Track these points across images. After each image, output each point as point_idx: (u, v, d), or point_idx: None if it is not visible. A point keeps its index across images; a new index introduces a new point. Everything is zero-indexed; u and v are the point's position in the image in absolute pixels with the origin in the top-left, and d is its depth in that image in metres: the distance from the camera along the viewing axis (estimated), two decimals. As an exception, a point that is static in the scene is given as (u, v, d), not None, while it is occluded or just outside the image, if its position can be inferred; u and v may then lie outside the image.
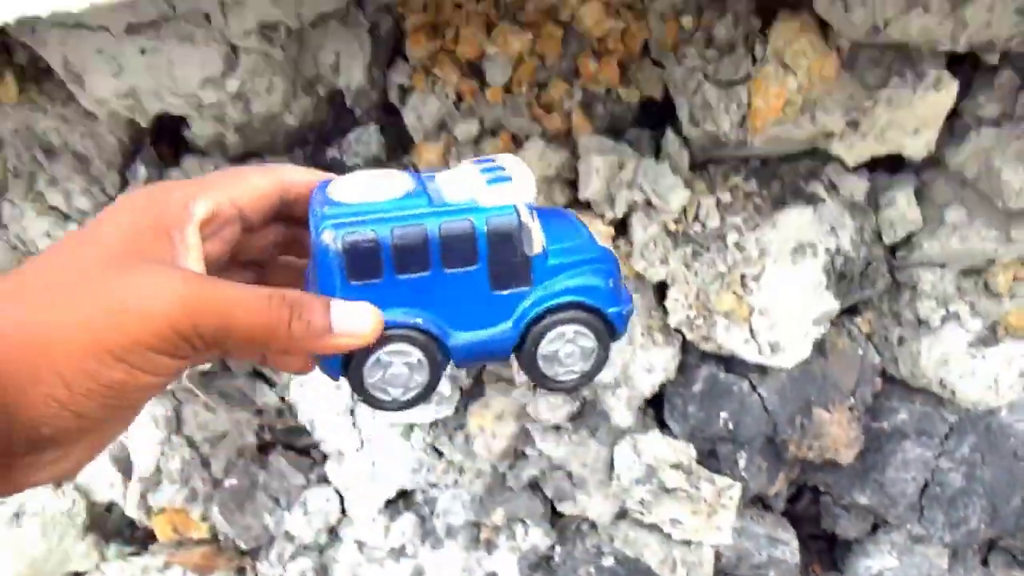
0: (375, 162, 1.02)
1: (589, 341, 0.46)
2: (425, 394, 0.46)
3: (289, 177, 0.46)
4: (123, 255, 0.40)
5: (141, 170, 0.96)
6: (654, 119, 1.02)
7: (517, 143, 1.00)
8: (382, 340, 0.43)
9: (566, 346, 0.46)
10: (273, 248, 0.49)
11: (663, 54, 0.95)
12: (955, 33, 0.82)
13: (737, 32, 0.88)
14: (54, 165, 0.99)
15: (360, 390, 0.45)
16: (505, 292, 0.45)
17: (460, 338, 0.45)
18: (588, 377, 0.48)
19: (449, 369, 0.46)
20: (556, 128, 1.00)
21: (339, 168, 0.97)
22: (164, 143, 1.02)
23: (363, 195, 0.42)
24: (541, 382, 0.47)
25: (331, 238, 0.41)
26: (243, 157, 1.00)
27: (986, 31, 0.82)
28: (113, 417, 0.39)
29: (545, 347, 0.46)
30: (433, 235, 0.42)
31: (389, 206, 0.42)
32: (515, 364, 1.05)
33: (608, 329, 0.47)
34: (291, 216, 0.47)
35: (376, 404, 0.46)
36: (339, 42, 0.95)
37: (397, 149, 1.04)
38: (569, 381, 0.47)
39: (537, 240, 0.44)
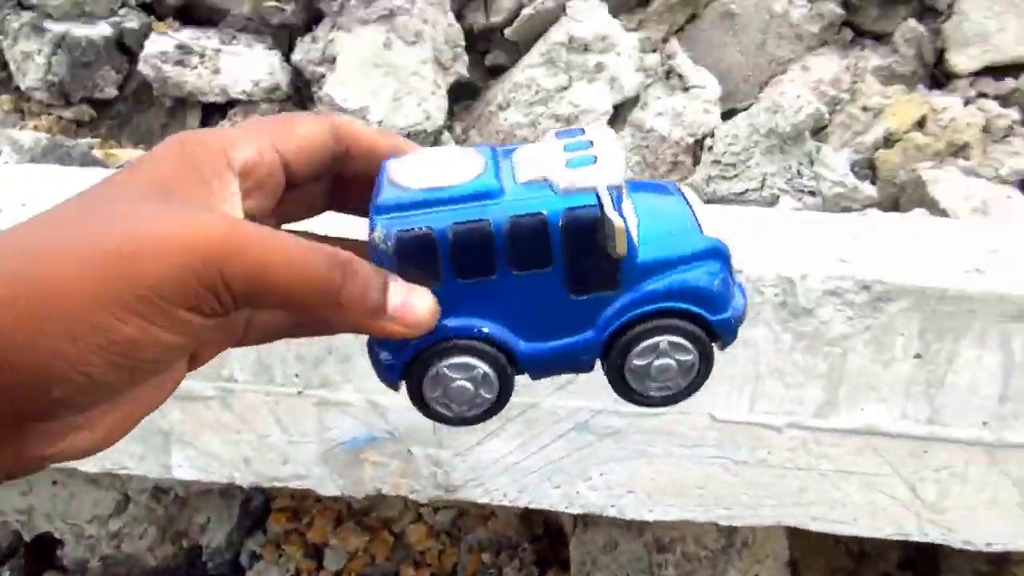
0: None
1: (688, 355, 0.38)
2: (494, 410, 0.40)
3: (343, 126, 0.40)
4: (150, 195, 0.34)
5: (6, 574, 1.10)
6: None
7: None
8: (442, 352, 0.37)
9: (660, 360, 0.38)
10: (322, 209, 0.43)
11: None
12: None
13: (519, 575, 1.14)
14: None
15: (419, 404, 0.39)
16: (585, 297, 0.37)
17: (533, 348, 0.38)
18: (685, 394, 0.40)
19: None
20: None
21: None
22: (32, 555, 1.17)
23: (426, 178, 0.37)
24: (627, 397, 0.40)
25: (380, 239, 0.36)
26: (98, 581, 1.15)
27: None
28: (132, 382, 0.33)
29: (634, 362, 0.38)
30: (500, 232, 0.36)
31: (454, 195, 0.36)
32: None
33: (713, 338, 0.38)
34: (343, 174, 0.41)
35: (438, 419, 0.40)
36: (213, 509, 1.17)
37: None
38: (660, 398, 0.40)
39: (620, 239, 0.35)
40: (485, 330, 0.37)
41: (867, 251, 0.73)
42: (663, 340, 0.38)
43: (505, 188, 0.36)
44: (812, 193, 1.02)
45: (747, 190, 1.08)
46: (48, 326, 0.30)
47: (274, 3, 1.35)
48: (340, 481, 0.80)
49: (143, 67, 1.28)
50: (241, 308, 0.33)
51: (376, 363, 0.39)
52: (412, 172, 0.37)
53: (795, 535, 1.01)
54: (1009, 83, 1.19)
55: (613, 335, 0.38)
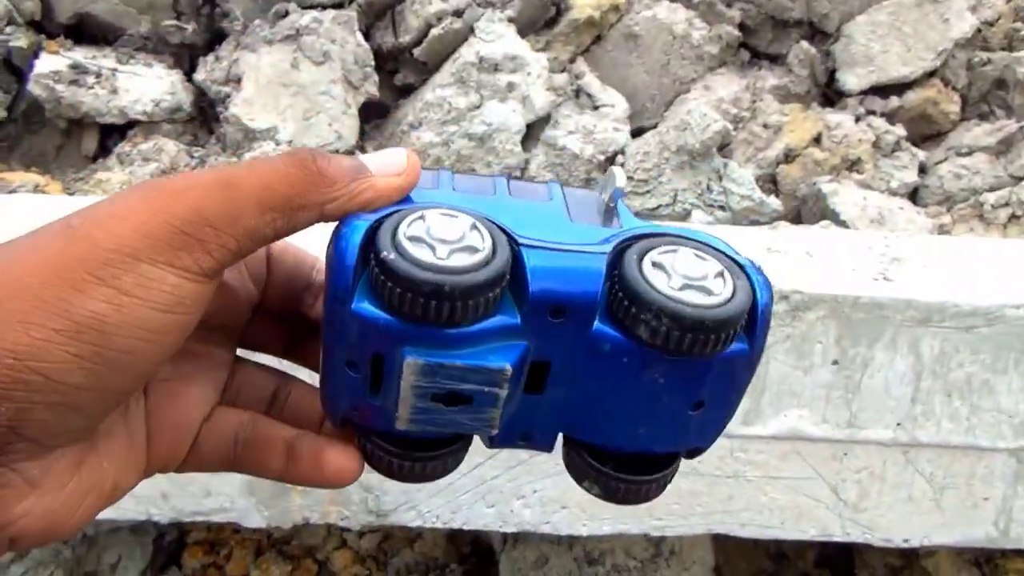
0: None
1: (712, 263, 0.33)
2: (489, 268, 0.29)
3: (275, 245, 0.36)
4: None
5: None
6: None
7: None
8: (427, 206, 0.31)
9: (681, 259, 0.32)
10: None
11: None
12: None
13: None
14: None
15: (388, 248, 0.29)
16: (587, 223, 0.34)
17: (533, 238, 0.31)
18: (735, 306, 0.31)
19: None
20: (294, 650, 1.15)
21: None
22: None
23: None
24: (654, 310, 0.31)
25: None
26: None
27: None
28: (104, 391, 0.27)
29: (652, 257, 0.32)
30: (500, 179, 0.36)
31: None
32: None
33: (741, 270, 0.34)
34: (265, 303, 0.38)
35: (411, 268, 0.29)
36: (124, 546, 1.11)
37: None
38: (707, 306, 0.31)
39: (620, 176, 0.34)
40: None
41: (782, 262, 0.76)
42: (683, 247, 0.33)
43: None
44: (722, 207, 1.06)
45: (660, 206, 1.11)
46: None
47: (174, 22, 1.31)
48: (266, 512, 0.77)
49: (34, 87, 1.22)
50: (225, 243, 0.28)
51: (335, 248, 0.31)
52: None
53: (719, 540, 1.04)
54: (894, 101, 1.26)
55: (624, 242, 0.33)
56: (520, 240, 0.31)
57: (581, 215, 0.33)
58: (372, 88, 1.29)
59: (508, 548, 1.04)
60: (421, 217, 0.30)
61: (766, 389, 0.71)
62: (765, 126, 1.24)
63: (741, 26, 1.31)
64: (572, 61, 1.33)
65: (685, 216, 1.08)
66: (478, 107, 1.25)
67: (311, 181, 0.30)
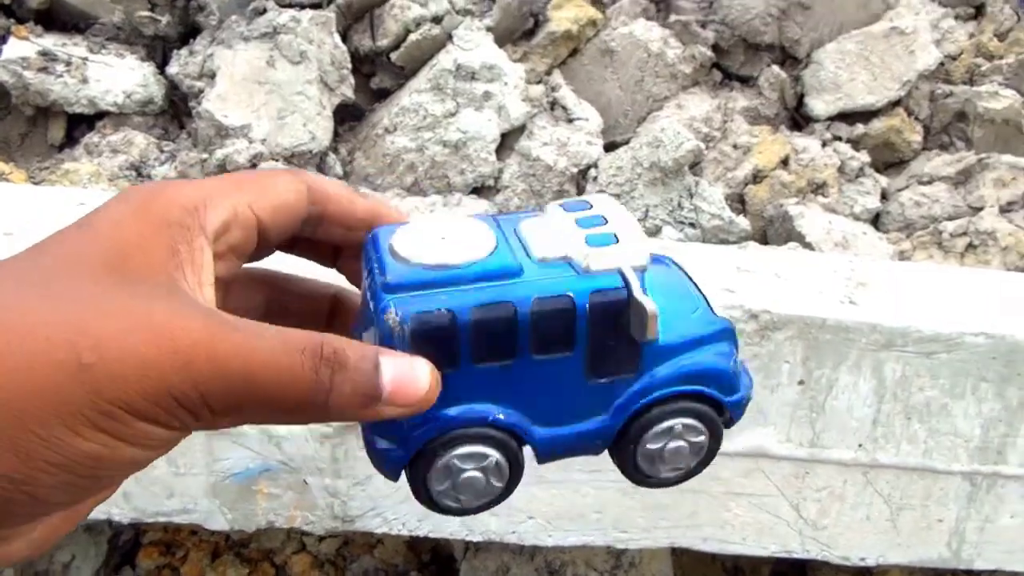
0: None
1: (701, 436, 0.37)
2: (502, 497, 0.37)
3: (319, 187, 0.36)
4: (109, 269, 0.29)
5: None
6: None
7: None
8: (452, 441, 0.35)
9: (673, 443, 0.37)
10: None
11: None
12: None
13: None
14: None
15: (423, 498, 0.36)
16: (603, 381, 0.36)
17: (547, 434, 0.36)
18: (692, 474, 0.39)
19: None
20: (248, 654, 1.14)
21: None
22: None
23: (437, 254, 0.34)
24: (636, 480, 0.38)
25: (396, 321, 0.32)
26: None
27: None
28: (85, 496, 0.29)
29: (647, 445, 0.37)
30: (523, 315, 0.33)
31: (469, 274, 0.33)
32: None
33: (724, 420, 0.38)
34: (315, 236, 0.38)
35: (441, 511, 0.37)
36: (78, 546, 1.09)
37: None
38: (669, 480, 0.38)
39: (652, 324, 0.33)
40: (500, 416, 0.35)
41: (750, 282, 0.78)
42: (678, 423, 0.36)
43: (523, 267, 0.34)
44: (692, 225, 1.08)
45: (631, 221, 1.13)
46: None
47: (148, 14, 1.30)
48: (230, 515, 0.77)
49: (0, 73, 1.20)
50: (220, 421, 0.29)
51: (373, 452, 0.36)
52: (417, 245, 0.34)
53: (677, 553, 1.05)
54: (860, 128, 1.29)
55: (630, 418, 0.36)
56: (539, 451, 0.37)
57: (602, 367, 0.36)
58: (348, 90, 1.28)
59: (469, 556, 1.04)
60: (447, 468, 0.35)
61: (733, 406, 0.72)
62: (735, 146, 1.26)
63: (715, 47, 1.34)
64: (548, 73, 1.34)
65: (656, 232, 1.09)
66: (454, 114, 1.26)
67: (315, 407, 0.30)
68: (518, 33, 1.36)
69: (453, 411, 0.35)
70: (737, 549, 0.76)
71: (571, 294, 0.34)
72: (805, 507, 0.74)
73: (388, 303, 0.33)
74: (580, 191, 1.24)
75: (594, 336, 0.34)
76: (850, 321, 0.71)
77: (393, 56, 1.30)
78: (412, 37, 1.29)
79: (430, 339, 0.33)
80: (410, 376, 0.31)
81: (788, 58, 1.36)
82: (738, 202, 1.23)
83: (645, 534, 0.76)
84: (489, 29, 1.29)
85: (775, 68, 1.32)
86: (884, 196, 1.24)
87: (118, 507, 0.77)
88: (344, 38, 1.29)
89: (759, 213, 1.21)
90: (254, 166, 1.19)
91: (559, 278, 0.34)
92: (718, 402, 0.37)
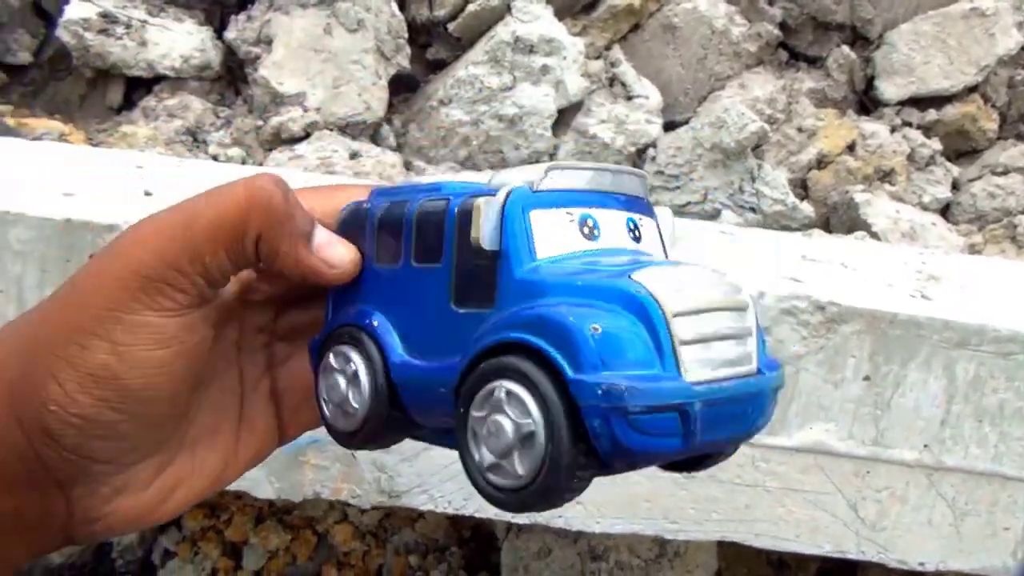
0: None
1: (526, 418, 0.27)
2: (364, 433, 0.34)
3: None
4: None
5: None
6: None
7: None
8: (337, 336, 0.35)
9: (494, 415, 0.28)
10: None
11: (390, 579, 1.16)
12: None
13: (447, 579, 1.12)
14: None
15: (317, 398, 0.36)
16: (464, 310, 0.31)
17: (405, 362, 0.33)
18: (527, 496, 0.28)
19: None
20: (287, 620, 1.15)
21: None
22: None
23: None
24: (470, 473, 0.30)
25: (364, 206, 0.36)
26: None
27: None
28: (141, 419, 0.31)
29: (474, 411, 0.29)
30: (410, 214, 0.33)
31: (427, 188, 0.34)
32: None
33: (565, 406, 0.26)
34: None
35: (324, 421, 0.36)
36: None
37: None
38: (502, 488, 0.28)
39: (476, 220, 0.29)
40: (373, 322, 0.34)
41: (817, 271, 0.75)
42: (500, 386, 0.27)
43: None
44: (753, 209, 1.05)
45: (689, 203, 1.10)
46: (33, 366, 0.29)
47: (208, -24, 1.29)
48: (277, 484, 0.77)
49: (62, 33, 1.20)
50: (196, 278, 0.31)
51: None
52: None
53: (723, 545, 1.03)
54: (932, 114, 1.24)
55: (466, 369, 0.29)
56: (394, 378, 0.34)
57: (466, 292, 0.33)
58: (404, 60, 1.27)
59: (511, 536, 1.03)
60: (327, 364, 0.35)
61: (794, 400, 0.70)
62: (799, 129, 1.22)
63: (782, 25, 1.29)
64: (608, 48, 1.31)
65: (715, 215, 1.06)
66: (510, 88, 1.23)
67: (261, 208, 0.32)
68: (578, 6, 1.32)
69: (354, 308, 0.35)
70: (790, 546, 0.74)
71: (450, 198, 0.32)
72: (864, 507, 0.71)
73: (375, 195, 0.36)
74: (637, 170, 1.21)
75: (459, 249, 0.31)
76: (922, 317, 0.68)
77: (450, 26, 1.28)
78: (470, 7, 1.27)
79: (351, 226, 0.35)
80: (336, 244, 0.35)
81: (859, 38, 1.31)
82: (800, 188, 1.19)
83: (696, 526, 0.74)
84: (549, 1, 1.26)
85: (845, 48, 1.27)
86: (955, 186, 1.19)
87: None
88: (401, 7, 1.28)
89: (822, 200, 1.17)
90: (308, 135, 1.18)
91: (464, 189, 0.32)
92: (559, 372, 0.26)
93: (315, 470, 0.76)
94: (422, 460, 0.75)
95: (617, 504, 0.75)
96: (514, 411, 0.27)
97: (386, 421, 0.33)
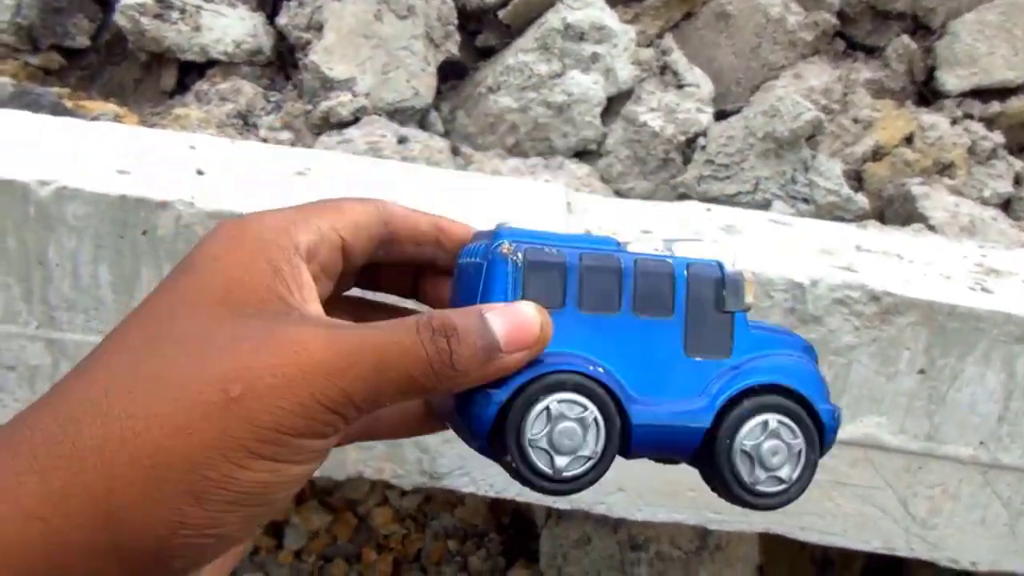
0: None
1: (796, 438, 0.36)
2: (594, 472, 0.35)
3: (389, 208, 0.38)
4: (227, 303, 0.30)
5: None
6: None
7: (290, 605, 1.15)
8: (552, 386, 0.34)
9: (769, 441, 0.36)
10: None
11: (429, 564, 1.17)
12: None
13: (486, 565, 1.12)
14: None
15: (514, 451, 0.34)
16: (699, 358, 0.36)
17: (643, 405, 0.36)
18: (792, 493, 0.37)
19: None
20: (328, 600, 1.16)
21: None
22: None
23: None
24: (735, 491, 0.37)
25: (510, 250, 0.35)
26: None
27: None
28: (261, 524, 0.31)
29: (744, 439, 0.36)
30: (627, 268, 0.35)
31: (574, 240, 0.36)
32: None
33: (817, 429, 0.37)
34: (386, 258, 0.39)
35: (531, 475, 0.35)
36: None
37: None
38: (772, 494, 0.37)
39: (749, 287, 0.36)
40: (600, 369, 0.35)
41: (872, 262, 0.73)
42: (772, 417, 0.36)
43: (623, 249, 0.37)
44: (805, 200, 1.03)
45: (739, 192, 1.08)
46: (163, 490, 0.27)
47: (261, -38, 1.30)
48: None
49: (119, 18, 1.22)
50: (363, 414, 0.30)
51: (466, 413, 0.35)
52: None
53: (765, 539, 1.01)
54: (995, 106, 1.20)
55: (725, 406, 0.36)
56: (634, 422, 0.36)
57: (698, 343, 0.37)
58: (453, 47, 1.26)
59: (551, 524, 1.03)
60: (546, 411, 0.34)
61: (845, 392, 0.68)
62: (855, 120, 1.19)
63: (840, 14, 1.26)
64: (660, 36, 1.30)
65: (765, 205, 1.04)
66: (560, 75, 1.22)
67: (444, 374, 0.31)
68: (630, -7, 1.31)
69: (556, 356, 0.35)
70: (836, 541, 0.72)
71: (670, 261, 0.36)
72: (914, 504, 0.69)
73: (503, 238, 0.35)
74: (687, 161, 1.20)
75: (692, 305, 0.36)
76: (983, 309, 0.66)
77: (500, 13, 1.28)
78: (521, -6, 1.26)
79: (541, 271, 0.35)
80: (519, 318, 0.33)
81: (919, 28, 1.27)
82: (854, 179, 1.16)
83: (741, 517, 0.73)
84: (601, -12, 1.25)
85: (905, 38, 1.24)
86: (1017, 181, 1.15)
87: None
88: (452, -7, 1.27)
89: (877, 192, 1.14)
90: (357, 120, 1.19)
91: (658, 255, 0.37)
92: (812, 407, 0.37)
93: (359, 449, 0.76)
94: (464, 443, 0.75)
95: (660, 492, 0.75)
96: (785, 435, 0.36)
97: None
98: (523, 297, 0.34)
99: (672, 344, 0.36)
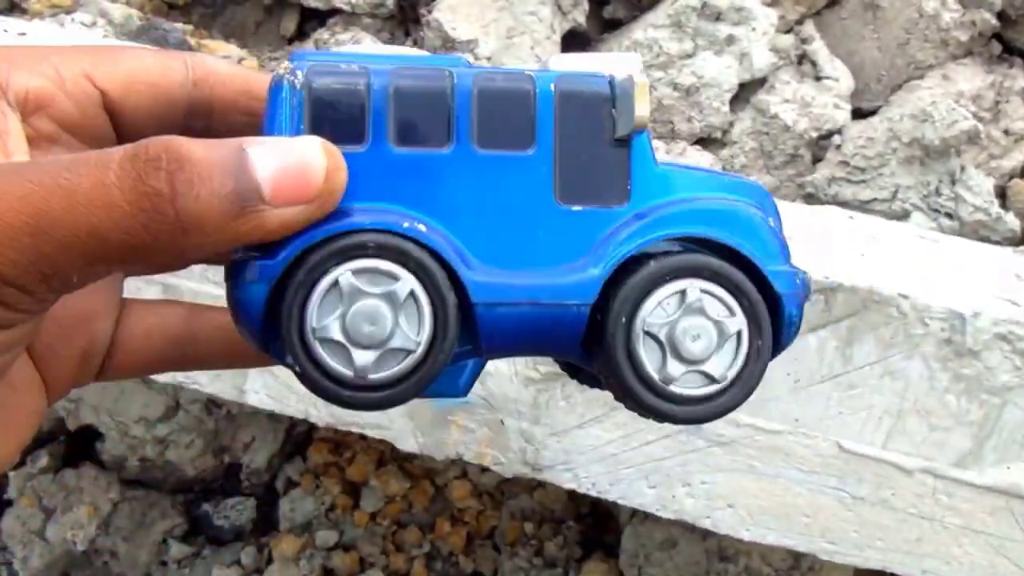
0: (239, 532, 1.14)
1: (731, 316, 0.26)
2: (418, 374, 0.25)
3: (201, 66, 0.30)
4: None
5: (43, 460, 1.07)
6: (479, 588, 1.19)
7: (362, 566, 1.14)
8: (345, 251, 0.24)
9: (687, 319, 0.25)
10: None
11: (503, 544, 1.15)
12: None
13: (561, 553, 1.10)
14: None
15: (296, 346, 0.25)
16: (579, 207, 0.26)
17: (491, 276, 0.25)
18: (728, 398, 0.26)
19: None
20: (397, 567, 1.15)
21: (206, 521, 1.09)
22: (71, 444, 1.14)
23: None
24: (639, 394, 0.26)
25: (287, 70, 0.26)
26: (132, 482, 1.12)
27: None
28: None
29: (648, 317, 0.25)
30: (462, 88, 0.25)
31: (407, 58, 0.27)
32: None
33: (769, 304, 0.26)
34: (210, 129, 0.30)
35: (322, 380, 0.25)
36: (259, 429, 1.13)
37: (262, 528, 1.17)
38: (696, 399, 0.26)
39: (642, 96, 0.25)
40: (420, 226, 0.24)
41: (1035, 296, 0.67)
42: (693, 285, 0.25)
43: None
44: (949, 215, 0.96)
45: (875, 199, 1.02)
46: None
47: (392, -89, 1.27)
48: (422, 439, 0.75)
49: (247, -42, 1.21)
50: (50, 292, 0.23)
51: (230, 295, 0.25)
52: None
53: (860, 572, 0.96)
54: None
55: (619, 270, 0.25)
56: (475, 300, 0.25)
57: (577, 186, 0.26)
58: (580, 17, 1.22)
59: (635, 522, 1.00)
60: (336, 286, 0.24)
61: (994, 434, 0.63)
62: (1006, 132, 1.11)
63: (1000, 15, 1.17)
64: (801, 23, 1.22)
65: (903, 216, 0.98)
66: (691, 56, 1.17)
67: (159, 228, 0.22)
68: (774, -26, 1.24)
69: (355, 211, 0.25)
70: (959, 590, 0.67)
71: (531, 75, 0.26)
72: (1057, 563, 0.64)
73: (293, 59, 0.26)
74: (816, 159, 1.13)
75: (563, 134, 0.25)
76: None
77: (634, -15, 1.22)
78: (657, -34, 1.20)
79: (331, 95, 0.24)
80: (294, 158, 0.23)
81: (1088, 38, 1.17)
82: (998, 196, 1.08)
83: (857, 551, 0.68)
84: (744, -34, 1.18)
85: (1071, 48, 1.15)
86: None
87: (315, 408, 0.77)
88: (585, -40, 1.22)
89: (1022, 212, 1.06)
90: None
91: (524, 73, 0.26)
92: (755, 269, 0.25)
93: (461, 431, 0.74)
94: (572, 437, 0.72)
95: (772, 513, 0.70)
96: (715, 311, 0.25)
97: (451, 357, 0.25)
98: (309, 133, 0.24)
99: (536, 189, 0.26)
